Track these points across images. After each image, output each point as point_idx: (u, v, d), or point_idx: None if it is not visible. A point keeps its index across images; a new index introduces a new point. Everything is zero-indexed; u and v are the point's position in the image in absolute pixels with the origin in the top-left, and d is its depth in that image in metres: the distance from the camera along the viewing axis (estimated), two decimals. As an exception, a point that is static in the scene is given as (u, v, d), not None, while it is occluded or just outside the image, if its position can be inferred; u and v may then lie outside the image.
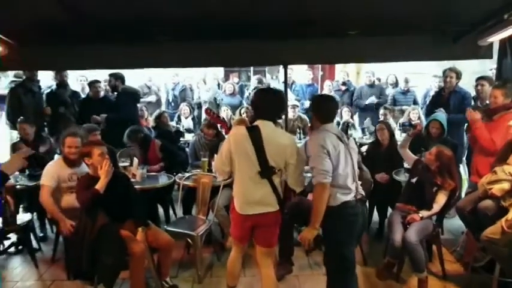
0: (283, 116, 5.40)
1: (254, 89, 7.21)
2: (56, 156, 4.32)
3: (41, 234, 4.39)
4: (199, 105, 7.62)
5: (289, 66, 5.25)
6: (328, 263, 2.75)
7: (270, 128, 2.61)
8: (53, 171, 3.49)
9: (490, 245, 2.91)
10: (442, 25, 3.82)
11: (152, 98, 7.57)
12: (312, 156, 2.53)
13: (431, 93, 6.44)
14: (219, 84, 8.15)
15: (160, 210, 4.55)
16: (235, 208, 2.69)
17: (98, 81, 5.83)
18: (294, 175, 2.63)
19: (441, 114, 4.40)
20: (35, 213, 4.23)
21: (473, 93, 4.95)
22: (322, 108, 2.74)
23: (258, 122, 2.62)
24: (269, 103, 2.69)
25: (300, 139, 6.02)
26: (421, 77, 8.27)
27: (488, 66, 5.86)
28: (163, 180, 4.22)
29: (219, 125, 4.76)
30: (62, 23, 3.46)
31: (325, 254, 2.77)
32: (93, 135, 4.32)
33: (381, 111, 6.23)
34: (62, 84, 5.77)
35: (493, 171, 3.09)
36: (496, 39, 3.64)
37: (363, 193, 2.72)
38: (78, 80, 7.00)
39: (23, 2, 2.99)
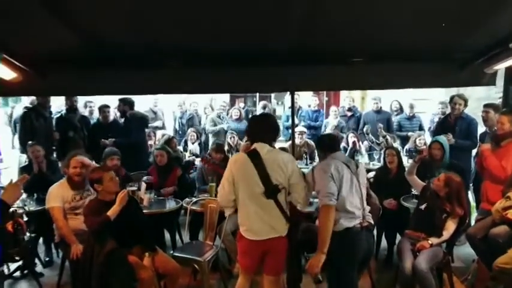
0: (290, 142, 5.45)
1: (260, 114, 7.30)
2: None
3: (47, 259, 4.38)
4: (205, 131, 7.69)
5: (295, 93, 5.32)
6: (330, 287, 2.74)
7: (267, 148, 2.69)
8: (57, 192, 3.53)
9: (501, 274, 2.86)
10: (448, 53, 3.87)
11: (159, 123, 7.67)
12: (317, 181, 2.61)
13: (436, 119, 6.46)
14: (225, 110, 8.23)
15: (167, 235, 4.53)
16: (244, 235, 2.68)
17: (107, 106, 5.94)
18: (297, 190, 2.67)
19: (442, 137, 4.42)
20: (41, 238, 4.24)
21: (478, 119, 4.97)
22: (324, 143, 2.96)
23: (255, 145, 2.71)
24: (261, 128, 2.80)
25: (306, 165, 6.02)
26: (427, 103, 8.35)
27: (493, 92, 5.90)
28: (170, 205, 4.22)
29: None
30: (74, 50, 3.56)
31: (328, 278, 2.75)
32: (111, 159, 4.38)
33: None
34: (71, 109, 5.87)
35: (507, 197, 3.08)
36: (501, 66, 3.68)
37: (371, 221, 2.72)
38: (86, 105, 7.13)
39: (39, 29, 3.07)
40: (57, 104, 6.55)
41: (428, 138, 6.27)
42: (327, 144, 2.91)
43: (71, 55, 3.66)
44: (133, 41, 3.48)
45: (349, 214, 2.59)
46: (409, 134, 6.72)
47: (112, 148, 4.81)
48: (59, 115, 5.95)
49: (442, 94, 9.10)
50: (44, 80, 4.02)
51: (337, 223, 2.57)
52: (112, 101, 6.23)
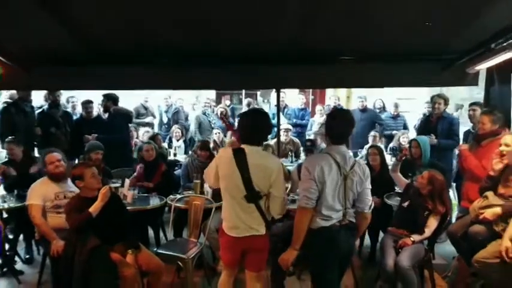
0: (276, 139, 5.46)
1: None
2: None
3: (27, 256, 4.30)
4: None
5: (281, 90, 5.32)
6: (312, 283, 2.76)
7: (255, 151, 2.59)
8: (39, 190, 3.48)
9: (481, 268, 2.91)
10: (433, 54, 3.93)
11: (150, 119, 7.60)
12: (301, 179, 2.54)
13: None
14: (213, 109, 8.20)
15: (151, 232, 4.48)
16: (225, 230, 2.68)
17: (90, 102, 5.84)
18: (276, 202, 2.59)
19: (422, 136, 4.50)
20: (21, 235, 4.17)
21: (462, 118, 5.06)
22: (332, 127, 2.62)
23: (243, 146, 2.61)
24: (253, 128, 2.65)
25: (291, 162, 6.05)
26: (412, 102, 8.47)
27: (475, 93, 6.02)
28: (154, 201, 4.17)
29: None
30: (61, 46, 3.51)
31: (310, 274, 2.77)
32: (95, 153, 4.33)
33: (372, 133, 6.32)
34: (54, 104, 5.75)
35: (484, 196, 3.13)
36: (483, 67, 3.75)
37: (353, 219, 2.64)
38: (68, 101, 7.01)
39: (26, 24, 3.02)
40: (39, 99, 6.40)
41: (413, 137, 6.35)
42: (336, 134, 2.60)
43: (57, 50, 3.63)
44: (121, 37, 3.45)
45: (326, 217, 2.54)
46: (393, 132, 6.81)
47: (96, 142, 4.74)
48: (40, 110, 5.83)
49: (425, 94, 9.27)
50: (29, 74, 3.95)
51: (313, 221, 2.53)
52: (95, 96, 6.12)
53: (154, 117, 7.86)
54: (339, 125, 2.62)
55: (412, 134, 6.63)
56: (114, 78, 4.08)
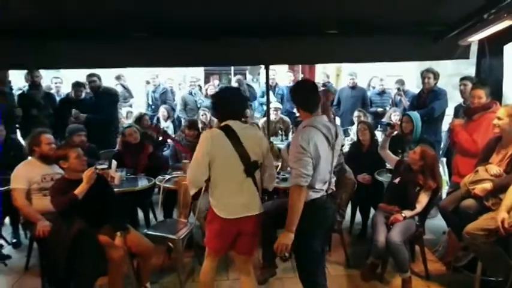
0: (265, 118, 5.39)
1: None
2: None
3: (14, 240, 4.23)
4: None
5: (271, 68, 5.21)
6: (296, 256, 2.67)
7: (239, 124, 2.59)
8: (24, 173, 3.37)
9: (471, 241, 2.91)
10: (421, 26, 3.86)
11: (133, 101, 7.46)
12: (294, 156, 2.43)
13: (392, 96, 6.64)
14: (200, 87, 8.05)
15: (140, 213, 4.43)
16: (218, 214, 2.57)
17: (82, 84, 5.66)
18: (267, 171, 2.65)
19: (414, 112, 4.46)
20: (7, 218, 4.08)
21: (450, 94, 5.02)
22: (303, 94, 2.58)
23: (227, 122, 2.57)
24: (231, 103, 2.65)
25: (282, 141, 5.99)
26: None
27: (462, 68, 5.98)
28: (142, 183, 4.09)
29: (170, 141, 4.88)
30: (32, 19, 3.33)
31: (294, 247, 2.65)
32: (77, 135, 4.21)
33: (355, 113, 6.21)
34: (34, 85, 5.55)
35: (475, 171, 3.12)
36: (476, 38, 3.66)
37: (334, 188, 2.67)
38: (52, 82, 6.81)
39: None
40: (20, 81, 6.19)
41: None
42: (309, 101, 2.54)
43: (28, 25, 3.43)
44: (96, 10, 3.27)
45: (317, 189, 2.51)
46: (379, 109, 6.75)
47: (77, 124, 4.61)
48: (20, 92, 5.63)
49: (414, 70, 9.20)
50: (1, 52, 3.77)
51: (306, 195, 2.48)
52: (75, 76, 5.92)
53: (132, 96, 7.68)
54: (311, 93, 2.57)
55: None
56: (91, 55, 3.91)
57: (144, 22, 3.61)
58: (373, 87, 7.31)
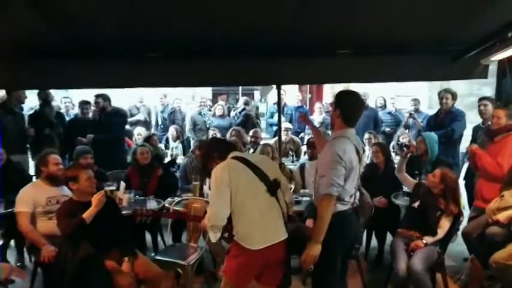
0: (275, 138, 5.30)
1: (242, 110, 7.11)
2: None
3: (18, 264, 4.11)
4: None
5: (281, 88, 5.16)
6: (315, 269, 2.53)
7: (247, 154, 2.69)
8: (29, 195, 3.31)
9: (500, 271, 2.75)
10: (439, 45, 3.79)
11: (140, 117, 7.44)
12: (328, 163, 2.36)
13: (406, 115, 6.53)
14: (210, 107, 8.01)
15: (148, 237, 4.30)
16: (246, 247, 2.43)
17: (88, 102, 5.69)
18: (285, 189, 2.61)
19: (429, 132, 4.37)
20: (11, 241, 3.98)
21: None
22: (350, 106, 2.51)
23: (232, 153, 2.56)
24: (225, 144, 2.81)
25: (292, 162, 5.87)
26: (409, 99, 8.30)
27: (475, 89, 5.90)
28: (151, 205, 3.99)
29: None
30: (47, 39, 3.34)
31: None
32: (84, 158, 4.15)
33: (366, 135, 6.07)
34: (45, 102, 5.55)
35: (501, 196, 2.98)
36: (500, 57, 3.55)
37: (357, 201, 2.62)
38: (62, 102, 6.84)
39: (9, 17, 2.86)
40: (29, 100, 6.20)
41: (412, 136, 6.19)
42: (352, 114, 2.50)
43: (44, 46, 3.45)
44: (112, 32, 3.30)
45: (344, 201, 2.47)
46: (387, 130, 6.65)
47: (84, 146, 4.56)
48: (32, 111, 5.63)
49: (425, 90, 9.10)
50: (15, 72, 3.78)
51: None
52: (84, 96, 5.94)
53: (145, 116, 7.67)
54: (358, 107, 2.58)
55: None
56: (103, 75, 3.92)
57: (155, 42, 3.61)
58: (380, 107, 7.20)
